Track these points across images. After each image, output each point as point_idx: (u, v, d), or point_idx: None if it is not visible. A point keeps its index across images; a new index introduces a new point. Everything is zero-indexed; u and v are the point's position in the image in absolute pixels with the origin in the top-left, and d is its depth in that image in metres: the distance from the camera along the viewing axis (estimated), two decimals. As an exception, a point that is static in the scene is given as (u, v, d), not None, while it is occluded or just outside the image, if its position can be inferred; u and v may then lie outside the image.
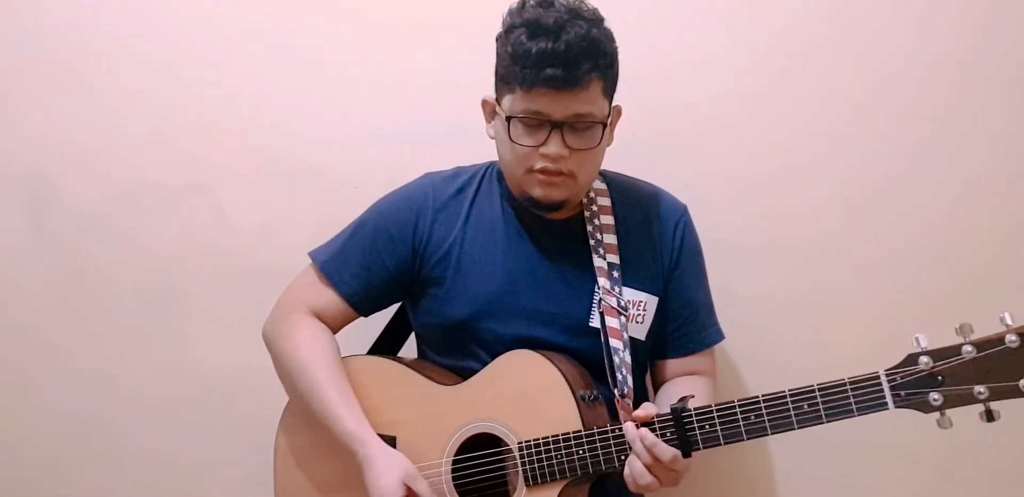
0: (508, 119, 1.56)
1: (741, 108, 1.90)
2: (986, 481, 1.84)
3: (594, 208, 1.68)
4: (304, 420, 1.70)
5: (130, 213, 2.08)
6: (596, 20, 1.55)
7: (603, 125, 1.56)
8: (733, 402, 1.42)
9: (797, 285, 1.90)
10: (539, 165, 1.56)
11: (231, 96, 2.03)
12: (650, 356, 1.73)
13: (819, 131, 1.88)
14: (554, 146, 1.53)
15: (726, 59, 1.89)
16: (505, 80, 1.57)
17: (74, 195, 2.09)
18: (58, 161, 2.09)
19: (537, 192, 1.59)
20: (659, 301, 1.68)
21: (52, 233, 2.10)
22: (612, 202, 1.70)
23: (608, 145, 1.63)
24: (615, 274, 1.64)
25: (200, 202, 2.06)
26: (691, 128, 1.91)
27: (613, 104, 1.61)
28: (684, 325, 1.71)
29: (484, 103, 1.65)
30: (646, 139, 1.86)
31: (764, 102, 1.89)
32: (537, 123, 1.54)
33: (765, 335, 1.89)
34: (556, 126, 1.53)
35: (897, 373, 1.33)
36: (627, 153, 1.72)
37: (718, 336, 1.75)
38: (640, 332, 1.67)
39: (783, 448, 1.89)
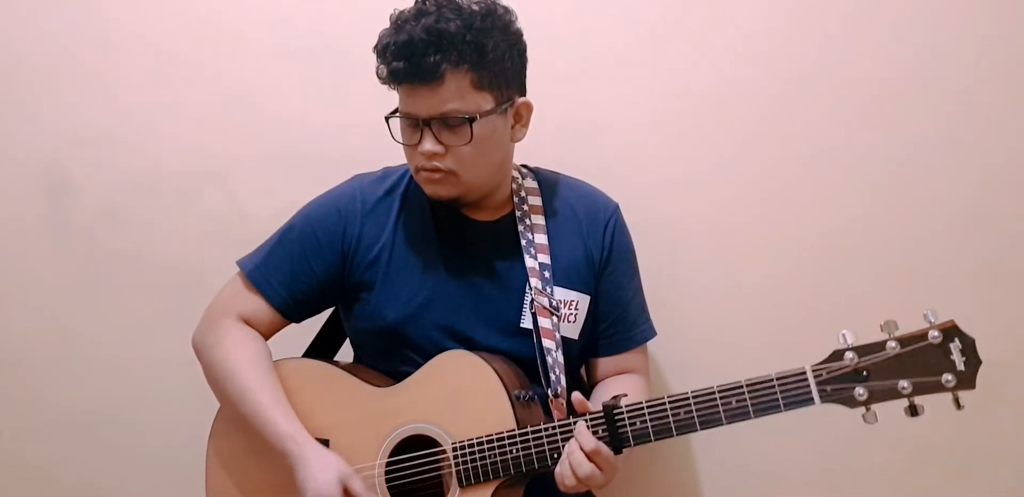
0: (387, 119, 1.56)
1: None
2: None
3: (525, 208, 1.68)
4: (235, 425, 1.67)
5: (146, 203, 2.07)
6: (475, 12, 1.50)
7: (471, 120, 1.51)
8: (663, 399, 1.43)
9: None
10: (420, 163, 1.55)
11: (246, 86, 2.02)
12: (583, 355, 1.73)
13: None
14: (427, 143, 1.52)
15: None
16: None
17: (90, 186, 2.08)
18: (74, 152, 2.08)
19: (427, 189, 1.59)
20: (591, 300, 1.68)
21: (69, 224, 2.10)
22: (543, 201, 1.70)
23: (516, 140, 1.62)
24: (546, 274, 1.65)
25: (216, 192, 2.05)
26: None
27: (522, 99, 1.59)
28: (615, 323, 1.71)
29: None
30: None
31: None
32: (411, 122, 1.54)
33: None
34: (425, 123, 1.52)
35: (823, 369, 1.34)
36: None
37: (650, 333, 1.75)
38: (573, 331, 1.67)
39: (784, 446, 1.90)
